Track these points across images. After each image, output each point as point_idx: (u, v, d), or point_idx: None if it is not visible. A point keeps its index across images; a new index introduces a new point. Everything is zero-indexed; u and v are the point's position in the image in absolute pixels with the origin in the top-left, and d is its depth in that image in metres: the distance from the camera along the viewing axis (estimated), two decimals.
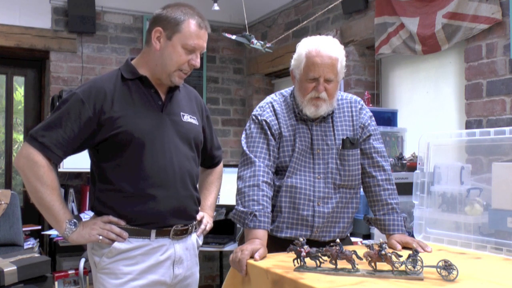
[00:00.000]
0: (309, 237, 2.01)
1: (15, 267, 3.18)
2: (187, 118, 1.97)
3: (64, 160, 1.87)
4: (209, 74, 5.21)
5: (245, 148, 2.05)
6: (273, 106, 2.10)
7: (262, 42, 3.68)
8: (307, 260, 1.64)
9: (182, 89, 2.03)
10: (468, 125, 2.96)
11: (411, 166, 2.94)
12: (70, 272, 3.92)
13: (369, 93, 3.65)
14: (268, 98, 2.16)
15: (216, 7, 4.28)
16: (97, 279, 1.88)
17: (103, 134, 1.82)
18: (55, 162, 1.81)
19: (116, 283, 1.83)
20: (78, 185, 4.51)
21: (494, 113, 2.81)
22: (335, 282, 1.51)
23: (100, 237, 1.81)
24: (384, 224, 2.06)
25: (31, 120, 4.77)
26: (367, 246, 1.61)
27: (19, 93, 4.84)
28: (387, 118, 3.54)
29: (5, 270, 3.14)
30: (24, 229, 4.04)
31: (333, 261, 1.62)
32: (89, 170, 1.96)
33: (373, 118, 2.17)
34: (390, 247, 1.93)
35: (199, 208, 2.05)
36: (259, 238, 1.87)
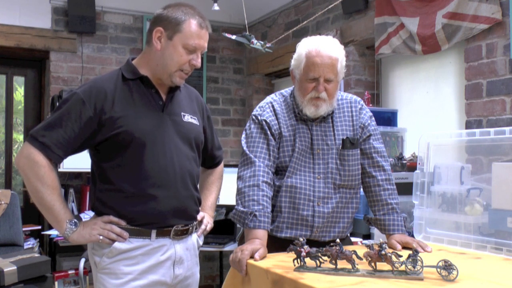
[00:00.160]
0: (309, 237, 2.01)
1: (15, 267, 3.18)
2: (187, 118, 1.97)
3: (64, 160, 1.87)
4: (209, 74, 5.21)
5: (245, 148, 2.05)
6: (273, 106, 2.10)
7: (262, 42, 3.68)
8: (307, 260, 1.64)
9: (183, 89, 2.03)
10: (468, 125, 2.96)
11: (411, 166, 2.94)
12: (70, 272, 3.92)
13: (369, 93, 3.65)
14: (268, 98, 2.16)
15: (216, 7, 4.28)
16: (97, 279, 1.88)
17: (104, 134, 1.82)
18: (55, 162, 1.81)
19: (116, 283, 1.83)
20: (78, 185, 4.51)
21: (494, 113, 2.81)
22: (335, 282, 1.51)
23: (101, 237, 1.81)
24: (384, 224, 2.06)
25: (31, 120, 4.77)
26: (367, 246, 1.61)
27: (19, 93, 4.84)
28: (387, 118, 3.54)
29: (5, 270, 3.14)
30: (24, 229, 4.04)
31: (333, 261, 1.62)
32: (89, 170, 1.96)
33: (373, 118, 2.17)
34: (390, 247, 1.93)
35: (200, 208, 2.05)
36: (259, 238, 1.87)
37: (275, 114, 2.08)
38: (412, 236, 2.27)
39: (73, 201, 4.29)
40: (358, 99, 2.19)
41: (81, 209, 4.36)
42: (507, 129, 2.07)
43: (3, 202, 3.90)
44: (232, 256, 1.80)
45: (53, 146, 1.78)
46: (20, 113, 4.82)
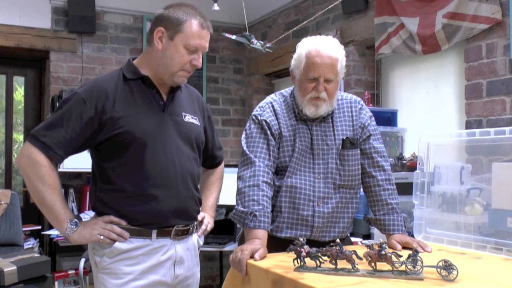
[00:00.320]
0: (309, 237, 2.01)
1: (15, 267, 3.18)
2: (188, 118, 1.97)
3: (64, 160, 1.87)
4: (209, 74, 5.22)
5: (245, 148, 2.05)
6: (273, 106, 2.10)
7: (262, 42, 3.68)
8: (307, 260, 1.64)
9: (184, 89, 2.03)
10: (468, 125, 2.96)
11: (411, 166, 2.94)
12: (70, 272, 3.92)
13: (369, 93, 3.66)
14: (268, 98, 2.16)
15: (216, 7, 4.28)
16: (98, 279, 1.88)
17: (105, 134, 1.82)
18: (56, 161, 1.81)
19: (117, 283, 1.83)
20: (78, 185, 4.51)
21: (494, 113, 2.82)
22: (335, 282, 1.51)
23: (101, 237, 1.81)
24: (384, 224, 2.06)
25: (31, 120, 4.77)
26: (367, 246, 1.61)
27: (19, 93, 4.84)
28: (387, 118, 3.54)
29: (5, 270, 3.14)
30: (24, 229, 4.04)
31: (333, 261, 1.62)
32: (89, 170, 1.96)
33: (373, 118, 2.18)
34: (390, 247, 1.93)
35: (200, 208, 2.05)
36: (259, 238, 1.87)
37: (275, 114, 2.08)
38: (412, 236, 2.27)
39: (73, 201, 4.29)
40: (358, 99, 2.19)
41: (81, 209, 4.36)
42: (507, 129, 2.07)
43: (3, 202, 3.90)
44: (232, 256, 1.80)
45: (54, 146, 1.78)
46: (20, 113, 4.82)
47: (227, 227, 3.83)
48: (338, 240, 1.65)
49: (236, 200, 1.99)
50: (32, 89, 4.81)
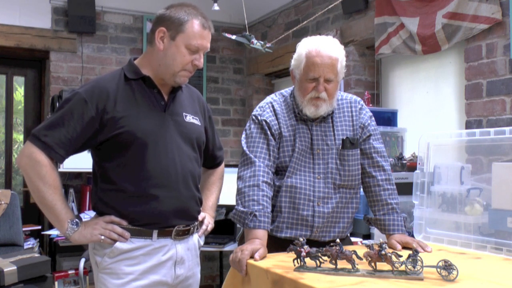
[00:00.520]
0: (309, 237, 2.01)
1: (15, 267, 3.18)
2: (189, 118, 1.97)
3: (65, 160, 1.88)
4: (209, 74, 5.22)
5: (245, 148, 2.05)
6: (273, 106, 2.10)
7: (262, 42, 3.68)
8: (307, 260, 1.64)
9: (185, 90, 2.03)
10: (468, 125, 2.96)
11: (411, 166, 2.94)
12: (70, 272, 3.92)
13: (369, 93, 3.66)
14: (268, 98, 2.17)
15: (216, 7, 4.28)
16: (98, 279, 1.88)
17: (106, 134, 1.82)
18: (57, 161, 1.81)
19: (117, 283, 1.84)
20: (78, 185, 4.51)
21: (494, 113, 2.82)
22: (335, 282, 1.51)
23: (102, 237, 1.81)
24: (384, 224, 2.06)
25: (31, 120, 4.77)
26: (367, 246, 1.61)
27: (19, 93, 4.84)
28: (387, 118, 3.54)
29: (5, 270, 3.14)
30: (24, 229, 4.04)
31: (333, 261, 1.62)
32: (89, 170, 1.96)
33: (373, 118, 2.18)
34: (390, 247, 1.93)
35: (201, 208, 2.05)
36: (259, 238, 1.87)
37: (275, 114, 2.08)
38: (412, 236, 2.27)
39: (73, 201, 4.29)
40: (358, 99, 2.19)
41: (81, 209, 4.36)
42: (507, 129, 2.07)
43: (3, 202, 3.90)
44: (232, 256, 1.81)
45: (55, 145, 1.78)
46: (20, 113, 4.82)
47: (227, 227, 3.83)
48: (338, 240, 1.65)
49: (236, 200, 1.99)
50: (32, 89, 4.81)
